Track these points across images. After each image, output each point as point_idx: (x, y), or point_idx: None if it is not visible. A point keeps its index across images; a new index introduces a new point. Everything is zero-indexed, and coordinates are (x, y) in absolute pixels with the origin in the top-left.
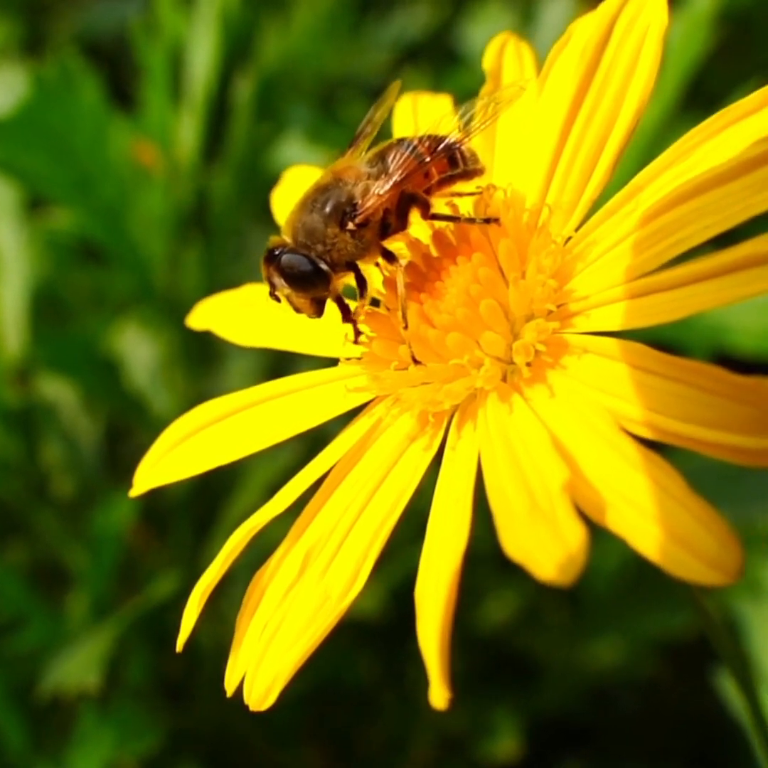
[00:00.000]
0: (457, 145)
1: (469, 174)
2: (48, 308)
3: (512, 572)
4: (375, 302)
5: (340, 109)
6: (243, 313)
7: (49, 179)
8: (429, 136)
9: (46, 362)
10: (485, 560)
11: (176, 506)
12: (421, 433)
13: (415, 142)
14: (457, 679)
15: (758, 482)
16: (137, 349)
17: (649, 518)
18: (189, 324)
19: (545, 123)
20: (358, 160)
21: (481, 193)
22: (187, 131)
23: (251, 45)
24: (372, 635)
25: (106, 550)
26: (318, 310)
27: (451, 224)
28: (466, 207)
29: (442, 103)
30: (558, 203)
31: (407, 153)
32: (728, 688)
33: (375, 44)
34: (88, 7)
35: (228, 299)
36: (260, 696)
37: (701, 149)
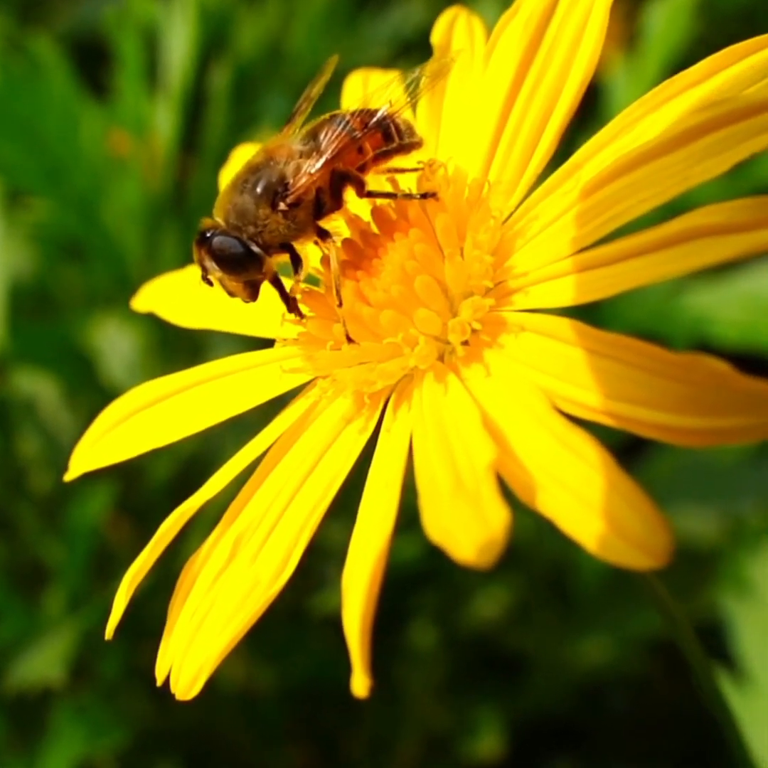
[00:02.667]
0: (389, 119)
1: (405, 148)
2: (35, 303)
3: (499, 569)
4: (316, 281)
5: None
6: (186, 295)
7: (20, 169)
8: (361, 111)
9: (24, 356)
10: None
11: (154, 498)
12: (357, 415)
13: (348, 117)
14: (443, 678)
15: (746, 479)
16: (116, 342)
17: (578, 500)
18: (133, 307)
19: (489, 96)
20: (291, 138)
21: (423, 168)
22: (164, 120)
23: (229, 33)
24: None
25: (82, 544)
26: (252, 293)
27: (392, 201)
28: (409, 183)
29: (393, 79)
30: (500, 178)
31: (339, 129)
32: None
33: (371, 40)
34: (82, 2)
35: (171, 281)
36: (187, 685)
37: (644, 122)
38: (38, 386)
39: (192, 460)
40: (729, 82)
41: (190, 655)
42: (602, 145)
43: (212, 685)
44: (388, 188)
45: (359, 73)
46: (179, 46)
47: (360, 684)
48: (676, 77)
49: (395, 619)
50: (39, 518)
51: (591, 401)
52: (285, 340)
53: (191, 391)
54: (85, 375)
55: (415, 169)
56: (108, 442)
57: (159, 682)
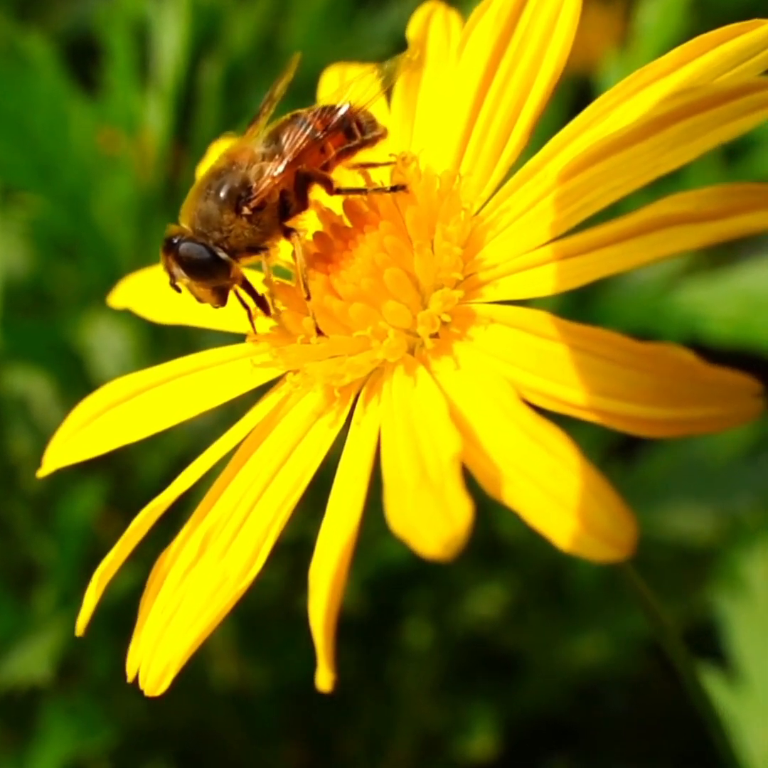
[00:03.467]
0: (350, 118)
1: (368, 142)
2: (31, 301)
3: (495, 567)
4: (290, 275)
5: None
6: (161, 291)
7: (9, 166)
8: (323, 110)
9: (16, 353)
10: (466, 554)
11: (145, 495)
12: (328, 409)
13: (309, 117)
14: (437, 677)
15: (742, 477)
16: (108, 340)
17: (545, 492)
18: (110, 303)
19: (462, 88)
20: (253, 141)
21: (395, 162)
22: (155, 116)
23: (220, 28)
24: (349, 630)
25: (72, 541)
26: (220, 299)
27: (364, 196)
28: (382, 177)
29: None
30: (472, 170)
31: (300, 130)
32: (711, 688)
33: (370, 38)
34: (81, 1)
35: (147, 277)
36: (155, 681)
37: (617, 110)
38: (30, 384)
39: (183, 456)
40: (701, 70)
41: (158, 652)
42: (574, 135)
43: (205, 683)
44: (361, 182)
45: (336, 67)
46: (171, 41)
47: (324, 678)
48: (648, 66)
49: (390, 618)
50: (31, 516)
51: (560, 393)
52: (257, 335)
53: (164, 386)
54: (76, 373)
55: (387, 163)
56: (82, 437)
57: (129, 679)
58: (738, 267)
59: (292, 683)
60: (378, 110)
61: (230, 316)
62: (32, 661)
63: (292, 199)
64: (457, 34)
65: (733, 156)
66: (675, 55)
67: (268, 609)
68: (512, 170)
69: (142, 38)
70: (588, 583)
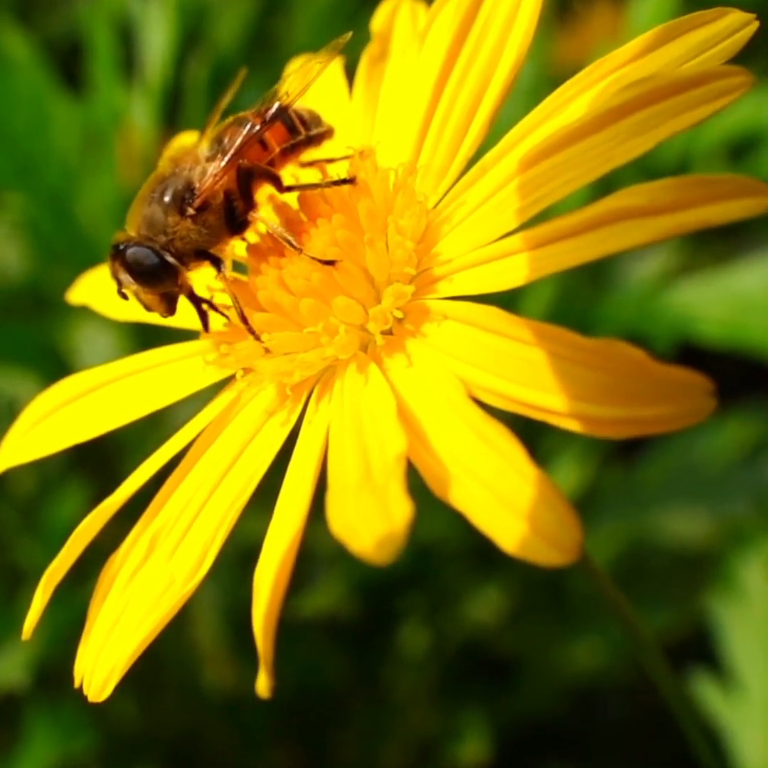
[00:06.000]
0: (287, 111)
1: (314, 139)
2: (25, 302)
3: (491, 571)
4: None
5: None
6: None
7: None
8: (260, 106)
9: (3, 355)
10: (462, 558)
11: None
12: (280, 408)
13: (249, 116)
14: (432, 682)
15: (738, 481)
16: (95, 342)
17: (491, 493)
18: (68, 300)
19: (422, 79)
20: (198, 147)
21: (352, 156)
22: (141, 114)
23: (207, 24)
24: (341, 635)
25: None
26: (169, 308)
27: (322, 189)
28: (340, 171)
29: (336, 69)
30: (430, 163)
31: (240, 129)
32: (706, 694)
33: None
34: (80, 3)
35: (105, 274)
36: (98, 687)
37: (577, 101)
38: (18, 386)
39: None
40: (662, 60)
41: (103, 657)
42: (532, 128)
43: (197, 688)
44: (318, 177)
45: (299, 58)
46: (157, 38)
47: (263, 685)
48: (609, 56)
49: (383, 622)
50: (18, 519)
51: (510, 391)
52: (209, 332)
53: (118, 384)
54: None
55: (345, 157)
56: (35, 436)
57: (75, 685)
58: (730, 268)
59: (285, 688)
60: (339, 104)
61: (183, 312)
62: (9, 667)
63: (237, 198)
64: (423, 26)
65: (738, 154)
66: (637, 45)
67: None
68: (472, 163)
69: (128, 36)
70: (585, 588)
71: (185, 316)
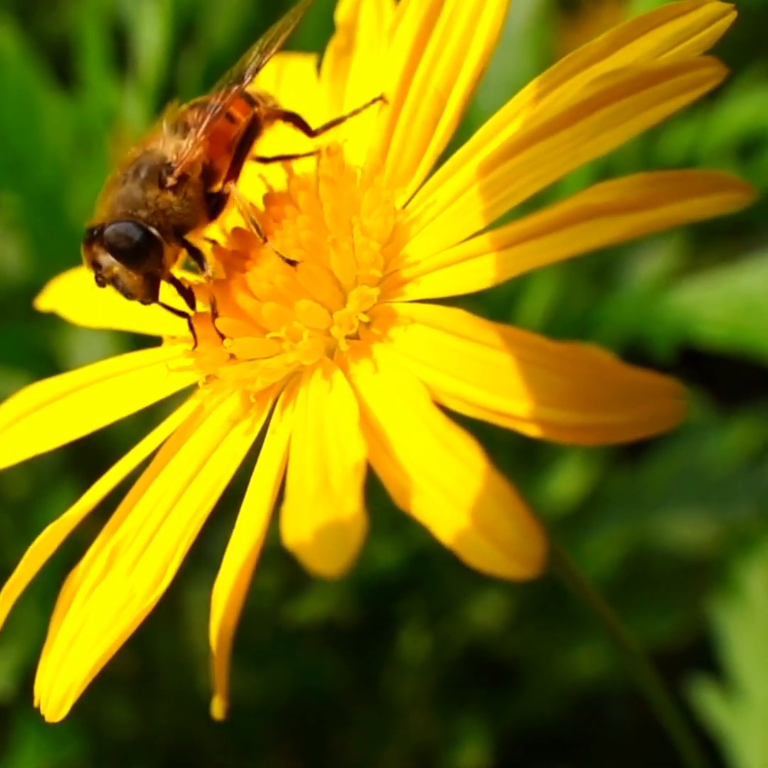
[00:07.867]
0: (257, 70)
1: (272, 112)
2: (25, 302)
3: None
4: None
5: None
6: (88, 293)
7: None
8: (219, 88)
9: None
10: (461, 564)
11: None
12: (244, 416)
13: (212, 98)
14: (433, 687)
15: (742, 486)
16: (89, 345)
17: (453, 503)
18: (37, 306)
19: (389, 74)
20: (160, 132)
21: (318, 152)
22: (135, 111)
23: (201, 20)
24: (340, 640)
25: None
26: (151, 291)
27: (286, 185)
28: (304, 169)
29: (308, 65)
30: (398, 161)
31: (206, 109)
32: (708, 701)
33: None
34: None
35: (74, 279)
36: (56, 705)
37: (547, 98)
38: (11, 388)
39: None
40: (635, 53)
41: (61, 675)
42: (503, 124)
43: (193, 693)
44: (283, 176)
45: (276, 58)
46: (151, 35)
47: (217, 706)
48: (580, 49)
49: (383, 626)
50: (11, 522)
51: (476, 397)
52: (174, 337)
53: (82, 391)
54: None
55: (311, 153)
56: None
57: (35, 703)
58: (734, 269)
59: (282, 693)
60: (305, 98)
61: (152, 318)
62: None
63: (214, 171)
64: (389, 17)
65: (747, 153)
66: (609, 38)
67: (259, 617)
68: (441, 161)
69: (122, 33)
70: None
71: (148, 321)
